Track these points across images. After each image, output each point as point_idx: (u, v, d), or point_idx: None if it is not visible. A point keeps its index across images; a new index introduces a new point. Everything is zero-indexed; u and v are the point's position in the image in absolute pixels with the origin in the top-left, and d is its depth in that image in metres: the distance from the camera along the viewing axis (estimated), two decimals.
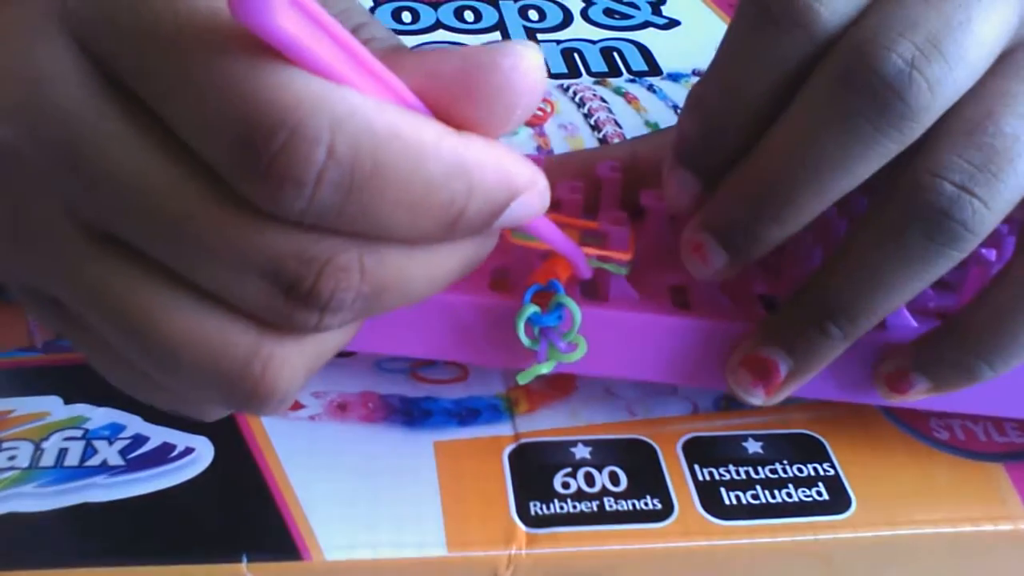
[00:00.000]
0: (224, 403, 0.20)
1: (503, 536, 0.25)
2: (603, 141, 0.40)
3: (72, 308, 0.19)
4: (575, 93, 0.43)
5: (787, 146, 0.23)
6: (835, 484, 0.27)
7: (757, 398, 0.26)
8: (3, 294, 0.30)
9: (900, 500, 0.27)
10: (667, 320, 0.26)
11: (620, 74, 0.45)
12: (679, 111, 0.42)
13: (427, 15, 0.48)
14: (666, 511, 0.26)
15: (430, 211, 0.17)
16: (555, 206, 0.28)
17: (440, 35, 0.47)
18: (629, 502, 0.26)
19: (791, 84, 0.23)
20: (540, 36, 0.47)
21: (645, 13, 0.50)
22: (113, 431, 0.27)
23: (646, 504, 0.26)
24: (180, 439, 0.27)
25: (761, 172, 0.23)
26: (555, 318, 0.25)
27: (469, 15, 0.49)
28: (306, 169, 0.16)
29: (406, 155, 0.17)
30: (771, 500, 0.26)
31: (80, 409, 0.28)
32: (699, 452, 0.28)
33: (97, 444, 0.27)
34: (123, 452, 0.27)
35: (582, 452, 0.28)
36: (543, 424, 0.28)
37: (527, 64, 0.18)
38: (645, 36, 0.48)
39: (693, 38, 0.48)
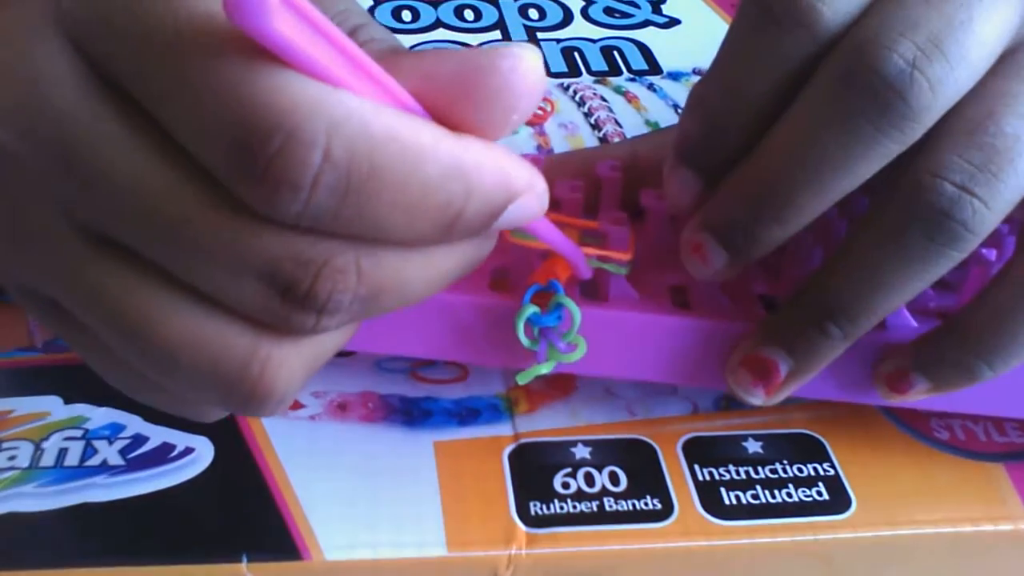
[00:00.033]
0: (222, 404, 0.20)
1: (503, 536, 0.25)
2: (603, 140, 0.40)
3: (70, 310, 0.19)
4: (575, 92, 0.43)
5: (788, 146, 0.23)
6: (835, 484, 0.27)
7: (757, 398, 0.26)
8: (3, 295, 0.30)
9: (900, 500, 0.27)
10: (667, 320, 0.26)
11: (620, 73, 0.45)
12: (680, 110, 0.42)
13: (427, 14, 0.48)
14: (666, 511, 0.26)
15: (427, 213, 0.17)
16: (555, 205, 0.28)
17: (440, 34, 0.47)
18: (629, 502, 0.26)
19: (793, 84, 0.23)
20: (540, 35, 0.47)
21: (645, 12, 0.50)
22: (113, 431, 0.27)
23: (646, 504, 0.26)
24: (180, 439, 0.27)
25: (762, 172, 0.23)
26: (555, 318, 0.25)
27: (469, 14, 0.49)
28: (302, 172, 0.16)
29: (403, 158, 0.17)
30: (771, 500, 0.26)
31: (80, 409, 0.28)
32: (699, 452, 0.28)
33: (97, 444, 0.27)
34: (123, 452, 0.27)
35: (582, 452, 0.28)
36: (543, 424, 0.28)
37: (526, 66, 0.18)
38: (645, 35, 0.48)
39: (693, 37, 0.48)
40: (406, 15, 0.48)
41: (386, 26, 0.47)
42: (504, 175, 0.18)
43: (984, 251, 0.27)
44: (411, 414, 0.28)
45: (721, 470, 0.27)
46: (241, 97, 0.16)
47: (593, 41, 0.47)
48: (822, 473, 0.27)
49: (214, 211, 0.17)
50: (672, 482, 0.27)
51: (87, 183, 0.17)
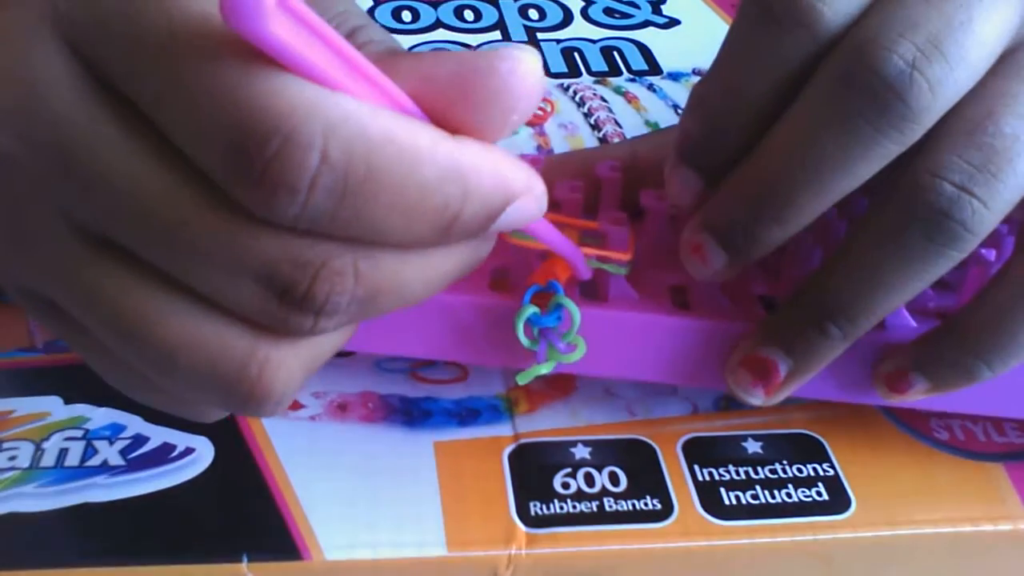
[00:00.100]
0: (221, 405, 0.20)
1: (503, 536, 0.25)
2: (603, 140, 0.40)
3: (69, 311, 0.19)
4: (575, 92, 0.43)
5: (787, 146, 0.23)
6: (835, 484, 0.27)
7: (757, 398, 0.26)
8: (3, 295, 0.30)
9: (900, 500, 0.27)
10: (667, 320, 0.26)
11: (620, 73, 0.45)
12: (679, 111, 0.42)
13: (427, 14, 0.48)
14: (666, 511, 0.26)
15: (425, 216, 0.17)
16: (555, 206, 0.28)
17: (440, 34, 0.47)
18: (629, 502, 0.26)
19: (793, 84, 0.23)
20: (540, 35, 0.47)
21: (645, 12, 0.50)
22: (113, 431, 0.27)
23: (646, 504, 0.26)
24: (180, 439, 0.27)
25: (761, 172, 0.23)
26: (554, 319, 0.25)
27: (469, 14, 0.49)
28: (300, 175, 0.16)
29: (400, 160, 0.17)
30: (771, 500, 0.27)
31: (80, 409, 0.28)
32: (699, 452, 0.28)
33: (97, 444, 0.27)
34: (123, 452, 0.27)
35: (582, 452, 0.28)
36: (543, 424, 0.28)
37: (524, 68, 0.18)
38: (645, 35, 0.48)
39: (693, 37, 0.48)
40: (406, 15, 0.48)
41: (386, 27, 0.47)
42: (502, 177, 0.18)
43: (983, 251, 0.27)
44: (411, 414, 0.29)
45: (721, 470, 0.27)
46: (238, 100, 0.16)
47: (593, 41, 0.47)
48: (822, 473, 0.27)
49: (211, 213, 0.17)
50: (672, 482, 0.27)
51: (85, 185, 0.17)
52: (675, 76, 0.45)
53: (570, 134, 0.40)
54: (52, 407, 0.28)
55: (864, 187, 0.23)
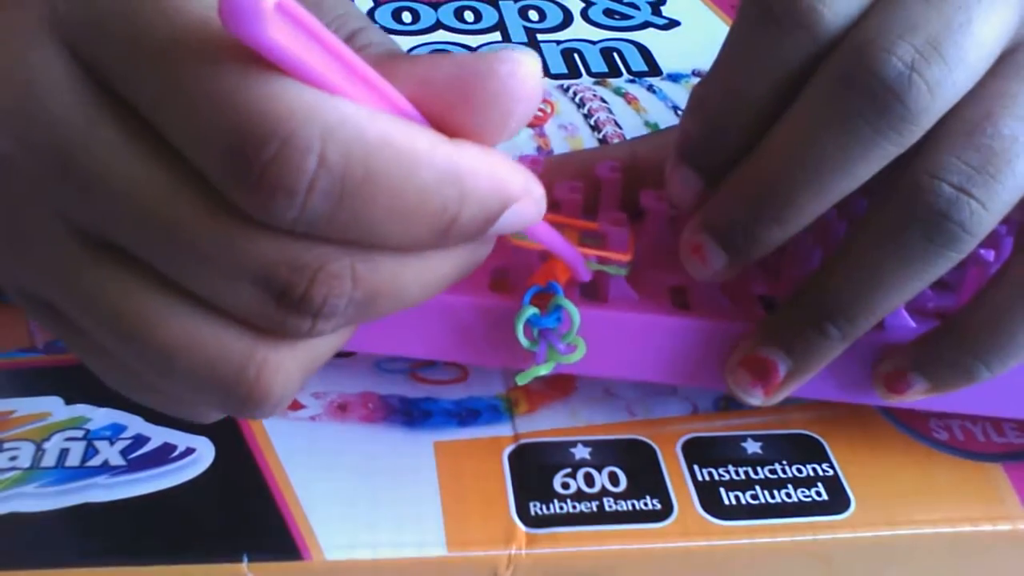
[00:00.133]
0: (219, 407, 0.20)
1: (503, 536, 0.25)
2: (603, 141, 0.40)
3: (67, 313, 0.19)
4: (575, 93, 0.43)
5: (787, 147, 0.23)
6: (834, 484, 0.27)
7: (756, 398, 0.26)
8: (3, 296, 0.30)
9: (899, 500, 0.27)
10: (667, 320, 0.27)
11: (620, 74, 0.45)
12: (679, 112, 0.42)
13: (427, 15, 0.48)
14: (665, 511, 0.26)
15: (422, 219, 0.17)
16: (554, 206, 0.28)
17: (440, 35, 0.47)
18: (629, 502, 0.26)
19: (793, 84, 0.23)
20: (540, 36, 0.47)
21: (645, 13, 0.50)
22: (114, 431, 0.27)
23: (645, 504, 0.26)
24: (181, 439, 0.27)
25: (761, 173, 0.23)
26: (554, 320, 0.25)
27: (469, 15, 0.49)
28: (297, 178, 0.16)
29: (398, 163, 0.17)
30: (770, 500, 0.27)
31: (81, 410, 0.28)
32: (698, 452, 0.28)
33: (98, 444, 0.27)
34: (124, 452, 0.27)
35: (582, 452, 0.28)
36: (543, 424, 0.28)
37: (524, 71, 0.18)
38: (645, 36, 0.48)
39: (693, 38, 0.48)
40: (406, 16, 0.48)
41: (386, 28, 0.47)
42: (500, 181, 0.18)
43: (982, 252, 0.27)
44: (411, 414, 0.29)
45: (720, 470, 0.27)
46: (236, 103, 0.16)
47: (593, 43, 0.47)
48: (821, 473, 0.27)
49: (210, 216, 0.17)
50: (671, 482, 0.27)
51: (83, 187, 0.17)
52: (675, 77, 0.45)
53: (570, 135, 0.40)
54: (53, 407, 0.28)
55: (864, 188, 0.23)
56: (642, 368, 0.27)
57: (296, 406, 0.28)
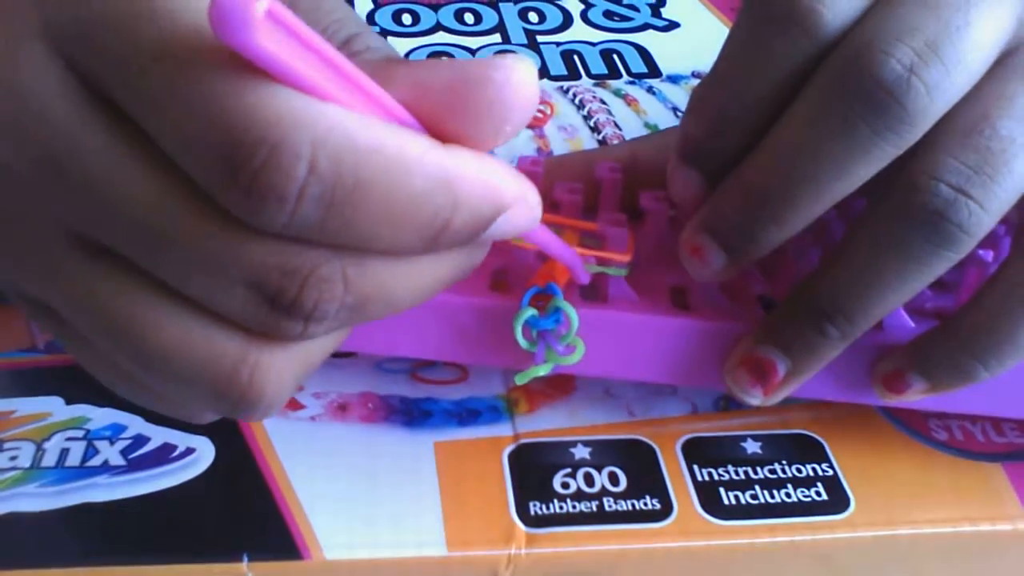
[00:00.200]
0: (213, 408, 0.20)
1: (503, 536, 0.25)
2: (603, 143, 0.40)
3: (64, 315, 0.19)
4: (575, 95, 0.43)
5: (786, 148, 0.23)
6: (834, 484, 0.27)
7: (755, 398, 0.26)
8: (4, 296, 0.30)
9: (899, 500, 0.27)
10: (666, 321, 0.27)
11: (620, 76, 0.45)
12: (679, 113, 0.42)
13: (427, 17, 0.48)
14: (665, 511, 0.26)
15: (414, 225, 0.17)
16: (554, 207, 0.28)
17: (440, 37, 0.47)
18: (628, 502, 0.26)
19: (793, 85, 0.23)
20: (540, 38, 0.48)
21: (645, 15, 0.50)
22: (114, 431, 0.27)
23: (645, 504, 0.26)
24: (181, 439, 0.27)
25: (760, 174, 0.23)
26: (552, 321, 0.25)
27: (469, 17, 0.49)
28: (288, 185, 0.16)
29: (389, 169, 0.17)
30: (770, 500, 0.27)
31: (81, 409, 0.28)
32: (698, 452, 0.28)
33: (98, 444, 0.27)
34: (124, 452, 0.27)
35: (581, 452, 0.28)
36: (543, 424, 0.28)
37: (519, 78, 0.18)
38: (645, 38, 0.48)
39: (693, 40, 0.48)
40: (406, 18, 0.48)
41: (386, 29, 0.47)
42: (493, 187, 0.18)
43: (981, 252, 0.27)
44: (411, 415, 0.29)
45: (720, 470, 0.27)
46: (226, 110, 0.16)
47: (593, 44, 0.47)
48: (821, 473, 0.27)
49: (202, 221, 0.17)
50: (671, 482, 0.27)
51: (77, 194, 0.17)
52: (674, 79, 0.45)
53: (570, 136, 0.41)
54: (53, 407, 0.28)
55: (862, 188, 0.23)
56: (642, 368, 0.27)
57: (296, 406, 0.28)
